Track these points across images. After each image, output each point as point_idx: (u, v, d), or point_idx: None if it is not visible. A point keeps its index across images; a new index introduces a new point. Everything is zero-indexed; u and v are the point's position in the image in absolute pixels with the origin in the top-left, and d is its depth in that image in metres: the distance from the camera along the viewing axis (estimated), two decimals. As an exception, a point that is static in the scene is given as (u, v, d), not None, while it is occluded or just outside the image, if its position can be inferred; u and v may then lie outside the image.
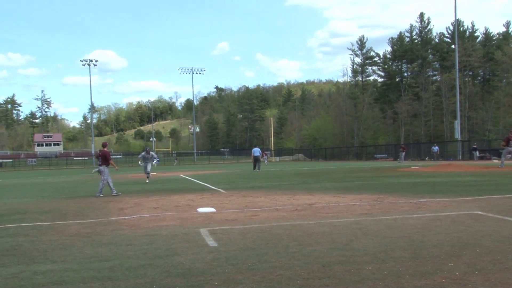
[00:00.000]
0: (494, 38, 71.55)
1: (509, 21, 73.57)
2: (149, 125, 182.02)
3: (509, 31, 71.31)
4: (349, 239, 5.87)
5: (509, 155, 21.42)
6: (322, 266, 4.53)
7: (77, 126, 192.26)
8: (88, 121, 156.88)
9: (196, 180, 21.58)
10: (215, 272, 4.45)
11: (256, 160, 30.47)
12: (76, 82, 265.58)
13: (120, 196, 13.80)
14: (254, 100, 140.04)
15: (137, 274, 4.47)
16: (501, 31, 72.47)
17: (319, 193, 12.57)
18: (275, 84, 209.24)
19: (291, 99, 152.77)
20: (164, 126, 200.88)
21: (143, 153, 20.87)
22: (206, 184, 18.05)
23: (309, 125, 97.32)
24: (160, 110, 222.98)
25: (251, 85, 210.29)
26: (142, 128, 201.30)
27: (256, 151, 30.92)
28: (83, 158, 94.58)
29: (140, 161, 21.84)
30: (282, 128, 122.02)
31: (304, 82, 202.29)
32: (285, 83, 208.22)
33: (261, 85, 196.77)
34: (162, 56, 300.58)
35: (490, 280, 3.92)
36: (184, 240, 6.16)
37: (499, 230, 6.19)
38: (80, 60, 73.36)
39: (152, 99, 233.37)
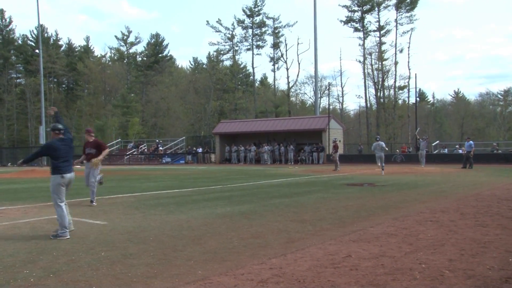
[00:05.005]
0: (76, 50, 75.07)
1: (89, 36, 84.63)
2: None
3: (89, 46, 76.59)
4: None
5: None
6: None
7: None
8: None
9: None
10: None
11: None
12: None
13: None
14: None
15: None
16: (82, 44, 76.84)
17: None
18: None
19: None
20: None
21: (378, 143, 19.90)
22: None
23: None
24: None
25: None
26: None
27: None
28: None
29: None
30: None
31: None
32: None
33: None
34: None
35: (64, 280, 4.13)
36: None
37: (75, 231, 6.57)
38: None
39: None
